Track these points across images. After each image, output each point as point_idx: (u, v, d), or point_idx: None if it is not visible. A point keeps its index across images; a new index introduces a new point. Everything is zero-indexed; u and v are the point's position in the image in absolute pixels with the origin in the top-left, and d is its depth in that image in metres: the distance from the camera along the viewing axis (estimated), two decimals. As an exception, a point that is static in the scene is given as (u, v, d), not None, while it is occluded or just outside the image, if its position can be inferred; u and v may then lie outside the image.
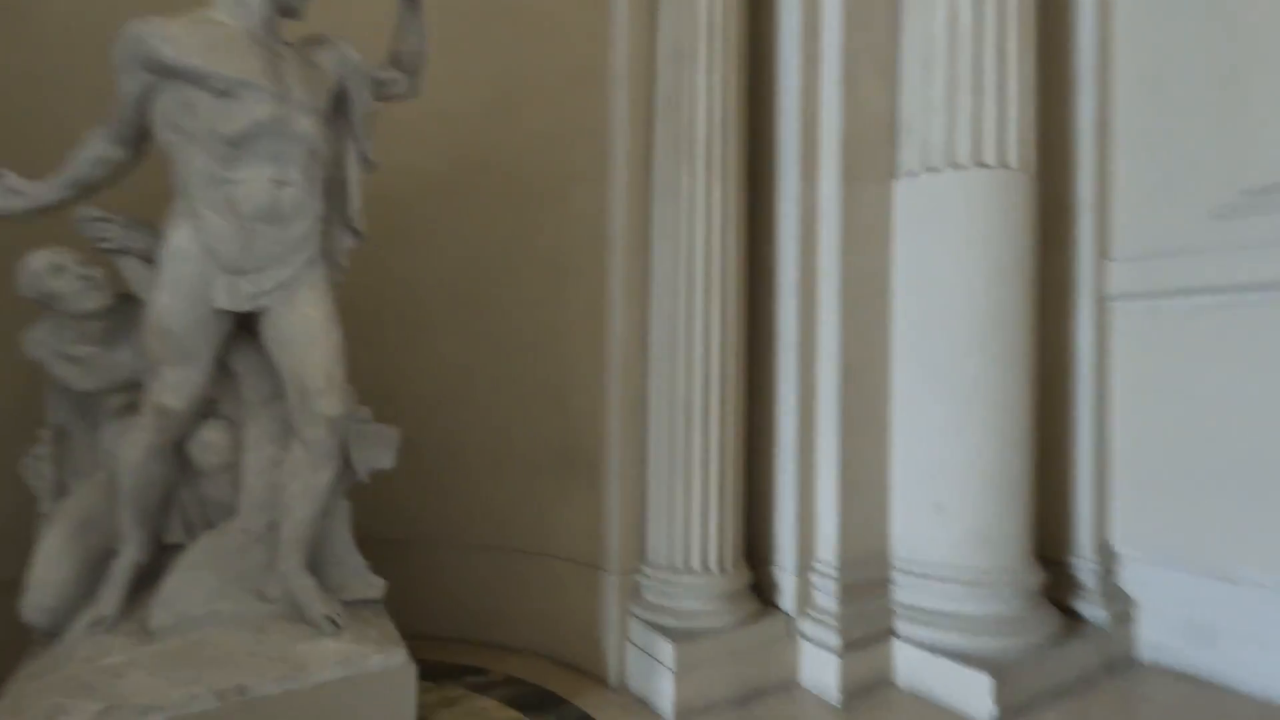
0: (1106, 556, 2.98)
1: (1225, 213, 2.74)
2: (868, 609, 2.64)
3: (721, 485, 2.59)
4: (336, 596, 2.15)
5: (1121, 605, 2.92)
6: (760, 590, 2.75)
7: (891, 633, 2.67)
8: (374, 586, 2.29)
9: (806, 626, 2.63)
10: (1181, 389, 2.83)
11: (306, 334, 2.03)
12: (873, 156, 2.79)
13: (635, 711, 2.47)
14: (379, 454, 2.30)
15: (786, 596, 2.70)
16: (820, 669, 2.56)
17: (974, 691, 2.38)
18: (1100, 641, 2.77)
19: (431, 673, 2.61)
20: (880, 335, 2.78)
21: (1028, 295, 2.76)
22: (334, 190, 2.19)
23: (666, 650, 2.41)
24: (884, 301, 2.80)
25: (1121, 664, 2.83)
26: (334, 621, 2.04)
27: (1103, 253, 3.06)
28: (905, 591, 2.71)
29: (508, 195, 3.08)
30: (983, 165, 2.64)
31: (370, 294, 3.08)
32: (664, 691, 2.40)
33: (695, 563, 2.56)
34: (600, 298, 2.79)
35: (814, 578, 2.67)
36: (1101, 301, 3.05)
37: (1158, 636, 2.85)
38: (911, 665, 2.59)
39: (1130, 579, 2.96)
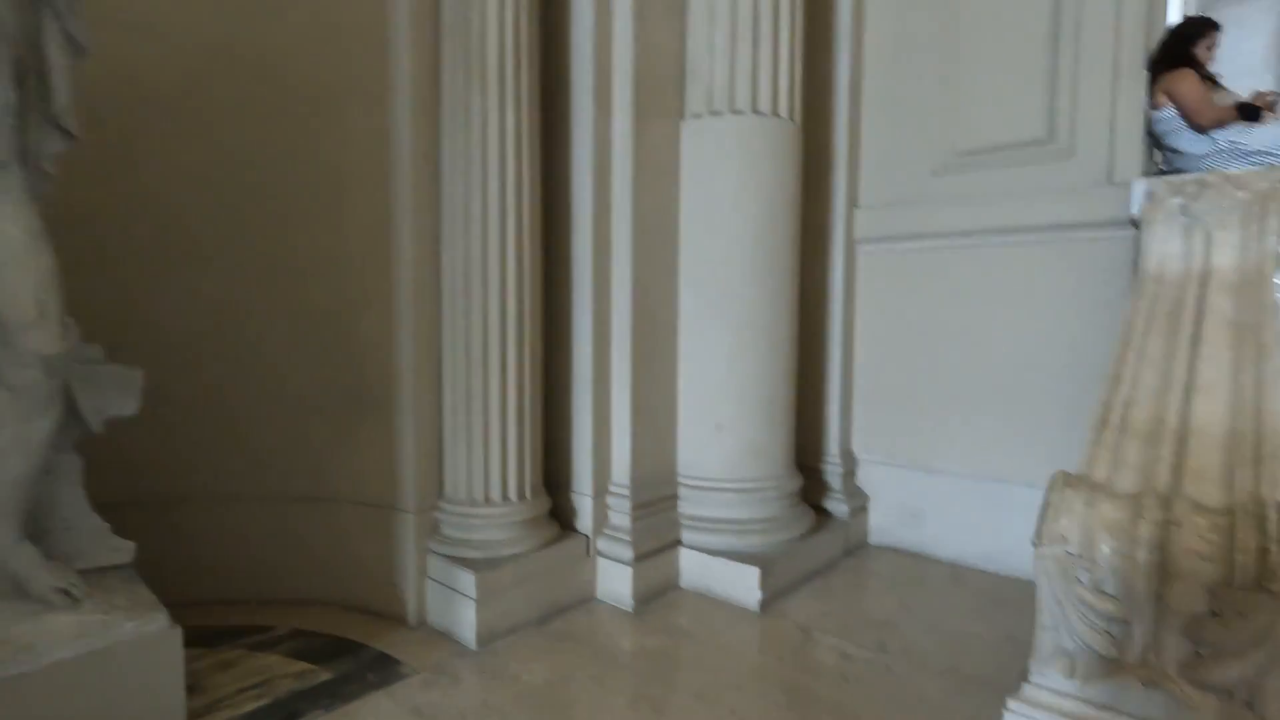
0: (849, 461, 3.55)
1: (941, 171, 3.28)
2: (657, 523, 2.88)
3: (520, 416, 2.62)
4: (71, 566, 1.85)
5: (859, 500, 3.50)
6: (561, 516, 2.87)
7: (678, 542, 2.95)
8: (120, 551, 2.01)
9: (603, 544, 2.80)
10: (905, 319, 3.40)
11: (6, 255, 1.65)
12: (664, 96, 2.88)
13: (436, 644, 2.47)
14: (116, 400, 1.98)
15: (585, 518, 2.84)
16: (616, 581, 2.75)
17: (745, 583, 2.73)
18: (842, 531, 3.32)
19: (206, 638, 2.38)
20: (669, 269, 2.95)
21: (795, 237, 3.09)
22: (33, 79, 1.76)
23: (467, 580, 2.42)
24: (673, 237, 2.96)
25: (858, 548, 3.43)
26: (67, 593, 1.76)
27: (853, 201, 3.52)
28: (689, 504, 2.99)
29: (280, 102, 2.71)
30: (759, 113, 2.87)
31: (111, 212, 2.58)
32: (465, 620, 2.43)
33: (495, 494, 2.58)
34: (387, 221, 2.61)
35: (610, 499, 2.84)
36: (851, 245, 3.52)
37: (883, 522, 3.48)
38: (694, 568, 2.89)
39: (865, 478, 3.56)
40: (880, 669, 2.31)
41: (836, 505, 3.41)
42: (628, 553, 2.72)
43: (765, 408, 2.99)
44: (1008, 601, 2.78)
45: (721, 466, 2.96)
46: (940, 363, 3.29)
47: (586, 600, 2.79)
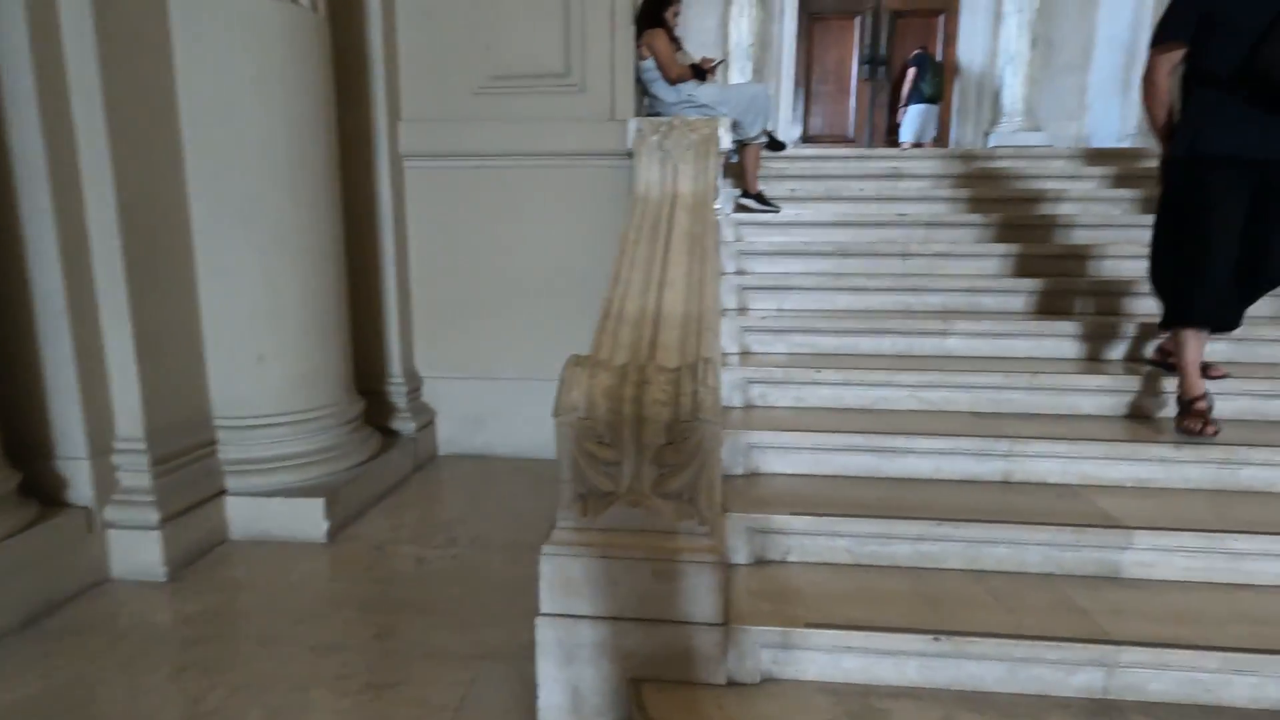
0: (413, 379, 3.59)
1: (480, 91, 3.41)
2: (191, 475, 2.48)
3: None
4: None
5: (426, 417, 3.59)
6: (44, 490, 2.23)
7: (223, 492, 2.60)
8: None
9: (113, 513, 2.29)
10: (455, 235, 3.52)
11: None
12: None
13: None
14: None
15: (82, 487, 2.27)
16: (139, 552, 2.30)
17: (309, 517, 2.59)
18: (411, 448, 3.38)
19: None
20: (171, 171, 2.44)
21: (332, 143, 2.85)
22: None
23: (-123, 603, 1.73)
24: (173, 131, 2.44)
25: (428, 461, 3.54)
26: None
27: (396, 113, 3.41)
28: (234, 447, 2.64)
29: None
30: (274, -4, 2.51)
31: None
32: (-116, 657, 1.75)
33: (-87, 479, 1.86)
34: None
35: (117, 458, 2.31)
36: (398, 158, 3.43)
37: (450, 433, 3.66)
38: (247, 515, 2.60)
39: (430, 394, 3.66)
40: (451, 561, 2.49)
41: (404, 424, 3.44)
42: (152, 515, 2.29)
43: (315, 332, 2.79)
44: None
45: (270, 400, 2.68)
46: (489, 276, 3.53)
47: (99, 583, 2.28)
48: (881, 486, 2.08)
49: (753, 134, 3.62)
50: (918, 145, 7.12)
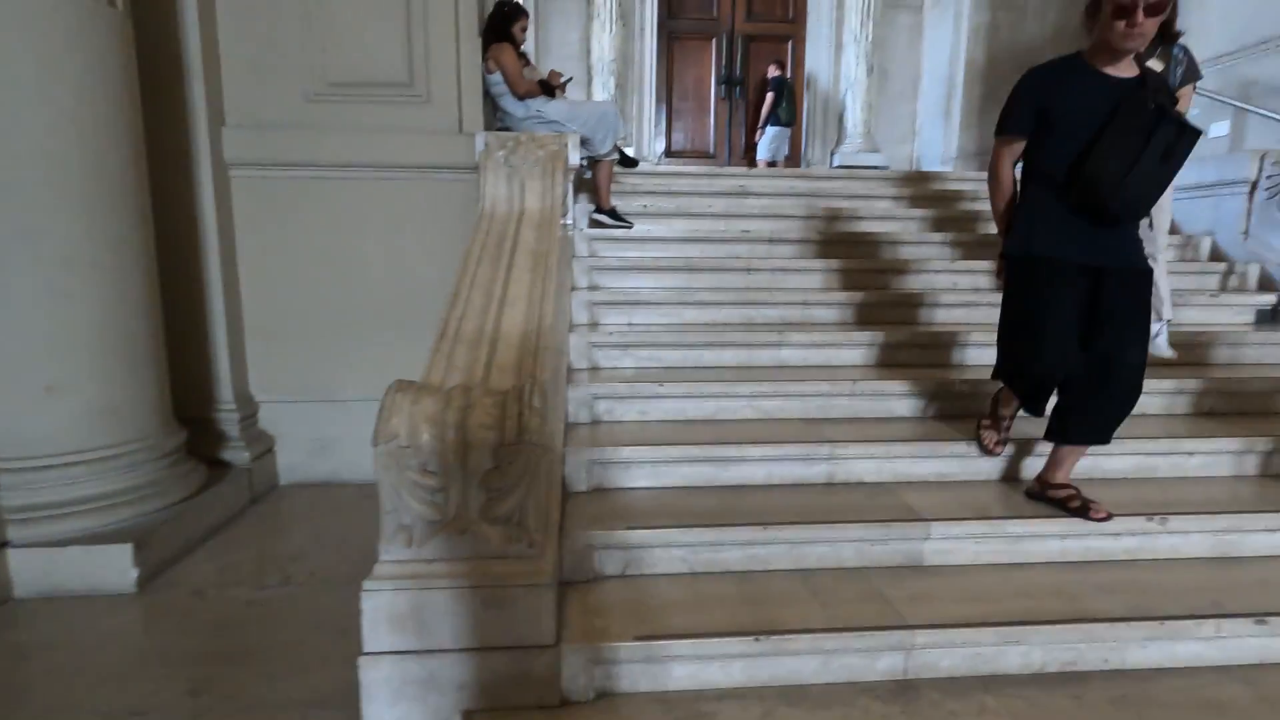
0: (247, 405, 3.32)
1: (316, 98, 3.23)
2: (-41, 527, 2.16)
3: None
4: None
5: (263, 445, 3.34)
6: None
7: (4, 544, 2.28)
8: None
9: None
10: (292, 250, 3.30)
11: None
12: None
13: None
14: None
15: None
16: (-113, 623, 1.97)
17: (113, 565, 2.32)
18: (245, 480, 3.13)
19: None
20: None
21: (136, 151, 2.59)
22: None
23: None
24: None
25: (266, 493, 3.29)
26: None
27: (219, 119, 3.15)
28: (17, 492, 2.33)
29: None
30: (56, -15, 2.25)
31: None
32: None
33: None
34: None
35: None
36: (223, 167, 3.17)
37: (292, 461, 3.42)
38: (36, 569, 2.29)
39: (269, 419, 3.41)
40: (285, 601, 2.33)
41: (236, 454, 3.18)
42: (-96, 579, 1.97)
43: (119, 359, 2.51)
44: (409, 503, 3.14)
45: (63, 436, 2.39)
46: (332, 292, 3.34)
47: None
48: (718, 495, 2.18)
49: (603, 150, 3.68)
50: (772, 164, 7.56)
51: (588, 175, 3.87)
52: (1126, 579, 1.93)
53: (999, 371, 2.22)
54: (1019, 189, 2.11)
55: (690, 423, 2.52)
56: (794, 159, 8.38)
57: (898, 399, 2.61)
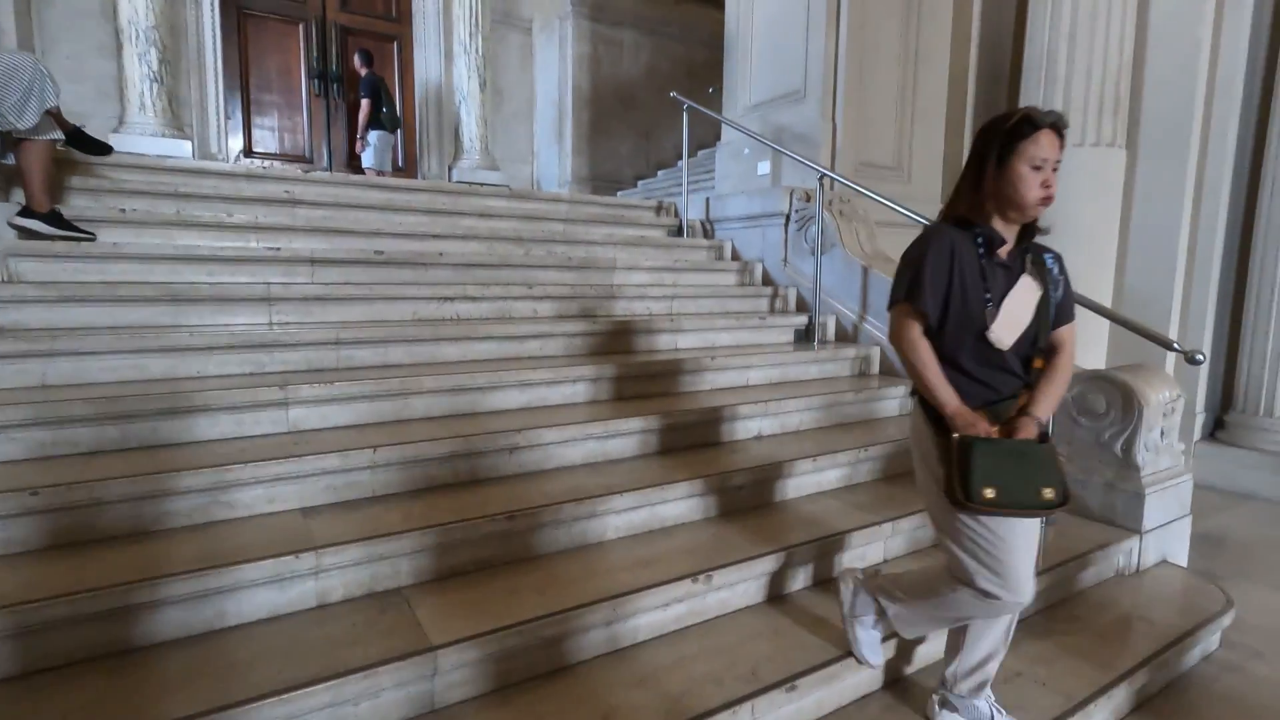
0: None
1: None
2: None
3: None
4: None
5: None
6: None
7: None
8: None
9: None
10: None
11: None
12: None
13: None
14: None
15: None
16: None
17: None
18: None
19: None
20: None
21: None
22: None
23: None
24: None
25: None
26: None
27: None
28: None
29: None
30: None
31: None
32: None
33: None
34: None
35: None
36: None
37: None
38: None
39: None
40: None
41: None
42: None
43: None
44: None
45: None
46: None
47: None
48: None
49: (25, 123, 2.48)
50: (380, 173, 6.68)
51: (9, 160, 2.61)
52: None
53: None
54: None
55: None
56: (410, 170, 7.65)
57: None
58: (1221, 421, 4.51)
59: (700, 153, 7.03)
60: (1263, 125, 4.29)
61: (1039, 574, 2.19)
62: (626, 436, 2.43)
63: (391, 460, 2.00)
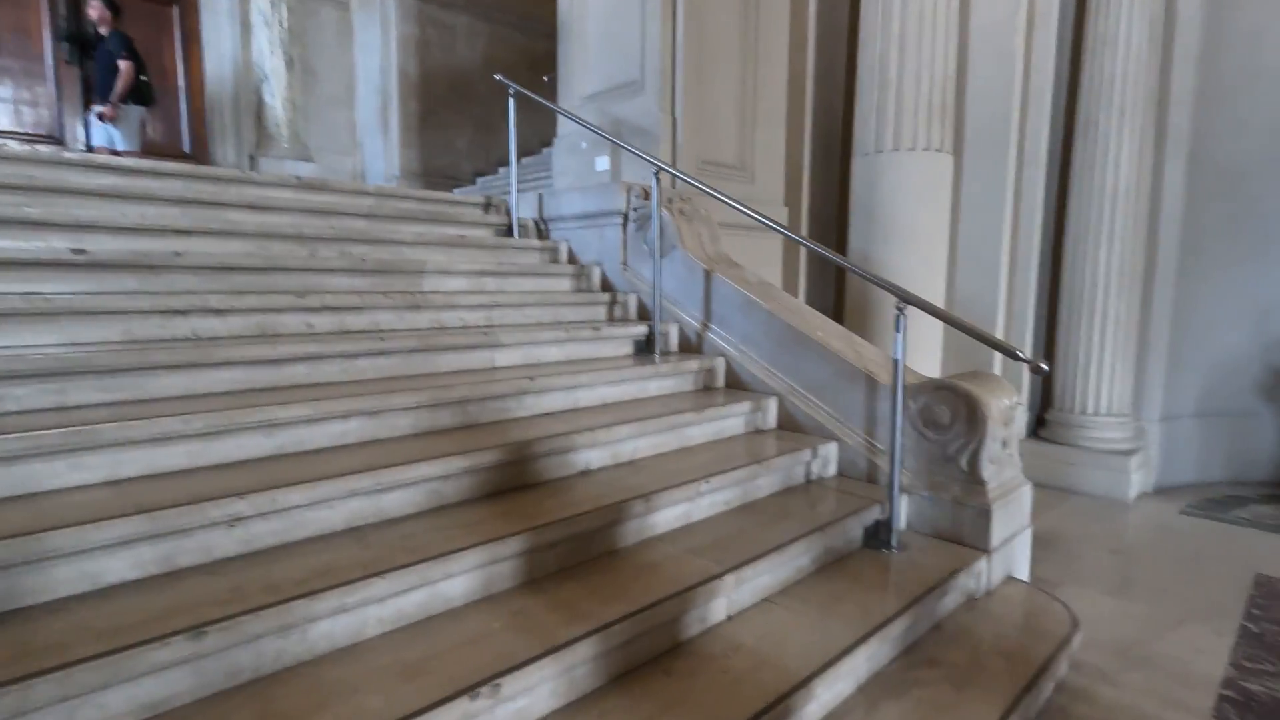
0: None
1: None
2: None
3: None
4: None
5: None
6: None
7: None
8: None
9: None
10: None
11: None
12: None
13: None
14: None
15: None
16: None
17: None
18: None
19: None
20: None
21: None
22: None
23: None
24: None
25: None
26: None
27: None
28: None
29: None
30: None
31: None
32: None
33: None
34: None
35: None
36: None
37: None
38: None
39: None
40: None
41: None
42: None
43: None
44: None
45: None
46: None
47: None
48: None
49: None
50: (115, 154, 5.34)
51: None
52: None
53: None
54: None
55: None
56: (202, 158, 6.50)
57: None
58: (1043, 420, 4.71)
59: (545, 150, 6.54)
60: (1069, 136, 4.52)
61: (898, 614, 1.95)
62: (409, 488, 1.89)
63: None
